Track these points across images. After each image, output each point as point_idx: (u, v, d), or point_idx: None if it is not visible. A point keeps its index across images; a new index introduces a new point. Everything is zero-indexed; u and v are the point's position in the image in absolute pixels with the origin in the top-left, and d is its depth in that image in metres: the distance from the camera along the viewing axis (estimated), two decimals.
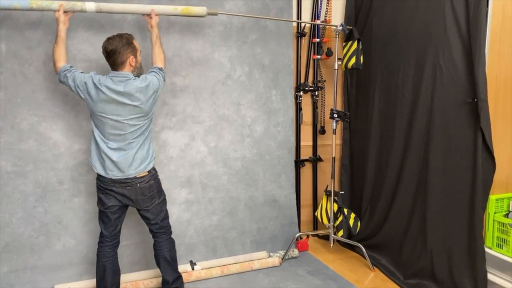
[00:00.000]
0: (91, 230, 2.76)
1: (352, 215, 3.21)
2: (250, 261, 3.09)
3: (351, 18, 3.45)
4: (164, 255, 2.52)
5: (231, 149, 3.11)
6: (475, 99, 2.40)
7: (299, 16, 3.40)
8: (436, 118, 2.66)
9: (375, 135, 3.24)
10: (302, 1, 3.39)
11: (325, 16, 3.48)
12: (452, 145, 2.59)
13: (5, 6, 2.29)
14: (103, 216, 2.43)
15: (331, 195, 3.24)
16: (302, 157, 3.59)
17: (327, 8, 3.48)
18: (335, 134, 3.23)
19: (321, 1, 3.46)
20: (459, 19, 2.49)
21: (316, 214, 3.47)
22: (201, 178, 3.04)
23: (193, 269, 2.92)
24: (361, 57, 3.04)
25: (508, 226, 2.51)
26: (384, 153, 3.16)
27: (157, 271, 2.87)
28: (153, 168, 2.45)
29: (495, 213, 2.61)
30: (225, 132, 3.09)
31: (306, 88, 3.47)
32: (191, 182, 3.01)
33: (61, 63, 2.34)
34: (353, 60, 3.04)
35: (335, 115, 3.13)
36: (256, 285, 2.85)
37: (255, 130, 3.18)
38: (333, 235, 3.29)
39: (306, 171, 3.66)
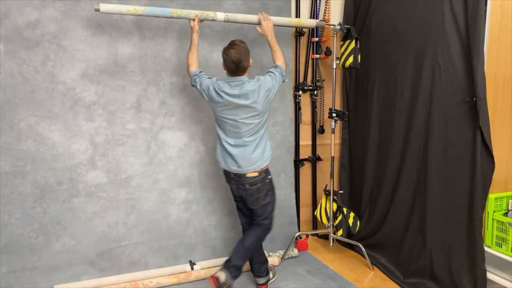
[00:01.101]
0: (90, 230, 2.75)
1: (352, 214, 3.21)
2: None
3: (350, 17, 3.44)
4: (244, 239, 2.64)
5: None
6: (474, 98, 2.40)
7: (297, 15, 3.40)
8: (435, 117, 2.66)
9: (374, 134, 3.24)
10: (300, 1, 3.39)
11: (324, 15, 3.48)
12: (451, 144, 2.59)
13: (148, 13, 2.49)
14: (236, 206, 2.74)
15: (330, 195, 3.24)
16: (301, 157, 3.58)
17: (325, 7, 3.48)
18: (334, 133, 3.22)
19: (320, 0, 3.46)
20: (457, 18, 2.49)
21: (315, 213, 3.47)
22: (200, 178, 3.04)
23: (192, 269, 2.92)
24: (359, 56, 3.04)
25: (507, 225, 2.51)
26: (383, 152, 3.16)
27: (155, 271, 2.87)
28: (264, 170, 2.56)
29: (494, 212, 2.61)
30: None
31: (305, 88, 3.47)
32: (190, 182, 3.01)
33: (193, 68, 2.56)
34: (350, 59, 3.04)
35: (334, 114, 3.13)
36: (255, 285, 2.85)
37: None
38: (332, 235, 3.29)
39: (305, 171, 3.66)
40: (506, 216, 2.58)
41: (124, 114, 2.78)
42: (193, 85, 2.57)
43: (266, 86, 2.45)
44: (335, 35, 3.17)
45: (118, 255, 2.83)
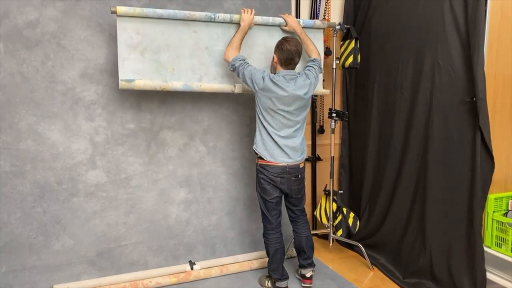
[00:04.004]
0: (89, 230, 2.75)
1: (351, 215, 3.21)
2: (249, 260, 3.09)
3: (350, 17, 3.44)
4: (307, 234, 2.79)
5: (229, 148, 3.11)
6: (474, 98, 2.40)
7: (298, 15, 3.40)
8: (435, 117, 2.66)
9: (374, 134, 3.24)
10: (301, 0, 3.39)
11: (324, 15, 3.48)
12: (450, 144, 2.59)
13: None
14: (269, 206, 2.65)
15: (330, 195, 3.24)
16: None
17: (326, 7, 3.47)
18: (333, 133, 3.22)
19: (320, 0, 3.46)
20: (458, 18, 2.49)
21: (315, 213, 3.47)
22: (199, 177, 3.04)
23: (192, 269, 2.92)
24: (359, 56, 3.04)
25: (507, 225, 2.51)
26: (383, 152, 3.16)
27: (155, 271, 2.87)
28: (305, 159, 2.70)
29: (494, 212, 2.61)
30: (224, 132, 3.08)
31: None
32: (189, 181, 3.01)
33: (238, 52, 2.57)
34: (350, 59, 3.04)
35: (334, 115, 3.13)
36: (255, 285, 2.85)
37: (254, 129, 3.17)
38: (332, 235, 3.29)
39: (305, 171, 3.65)
40: (506, 216, 2.58)
41: (124, 114, 2.78)
42: (234, 67, 2.53)
43: (312, 82, 2.56)
44: (335, 35, 3.17)
45: (117, 255, 2.83)
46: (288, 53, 2.47)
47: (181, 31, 2.61)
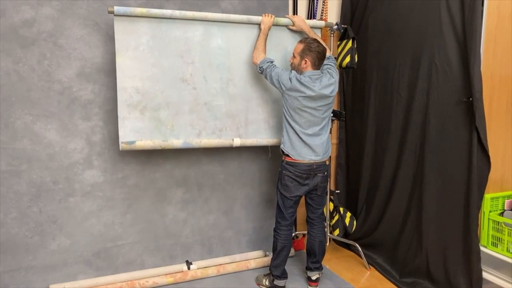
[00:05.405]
0: (86, 229, 2.75)
1: (348, 214, 3.22)
2: (246, 260, 3.09)
3: (347, 17, 3.45)
4: (321, 239, 2.81)
5: (227, 148, 3.10)
6: (470, 98, 2.41)
7: (295, 15, 3.39)
8: (432, 117, 2.67)
9: (371, 133, 3.25)
10: (298, 0, 3.39)
11: (321, 15, 3.48)
12: (447, 144, 2.59)
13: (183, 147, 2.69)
14: (287, 204, 2.68)
15: (327, 194, 3.25)
16: None
17: (323, 7, 3.48)
18: (331, 133, 3.22)
19: (317, 0, 3.46)
20: (454, 18, 2.49)
21: None
22: (197, 177, 3.03)
23: (189, 268, 2.92)
24: (356, 56, 3.04)
25: (503, 225, 2.52)
26: (380, 152, 3.17)
27: (152, 271, 2.87)
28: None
29: (490, 211, 2.62)
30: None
31: None
32: (187, 181, 3.00)
33: (265, 55, 2.67)
34: (347, 59, 3.04)
35: (331, 114, 3.13)
36: (252, 285, 2.85)
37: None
38: (329, 234, 3.29)
39: None
40: (502, 216, 2.59)
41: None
42: (262, 69, 2.62)
43: (336, 80, 2.62)
44: (332, 35, 3.17)
45: (114, 255, 2.83)
46: (321, 54, 2.55)
47: (180, 88, 2.65)
